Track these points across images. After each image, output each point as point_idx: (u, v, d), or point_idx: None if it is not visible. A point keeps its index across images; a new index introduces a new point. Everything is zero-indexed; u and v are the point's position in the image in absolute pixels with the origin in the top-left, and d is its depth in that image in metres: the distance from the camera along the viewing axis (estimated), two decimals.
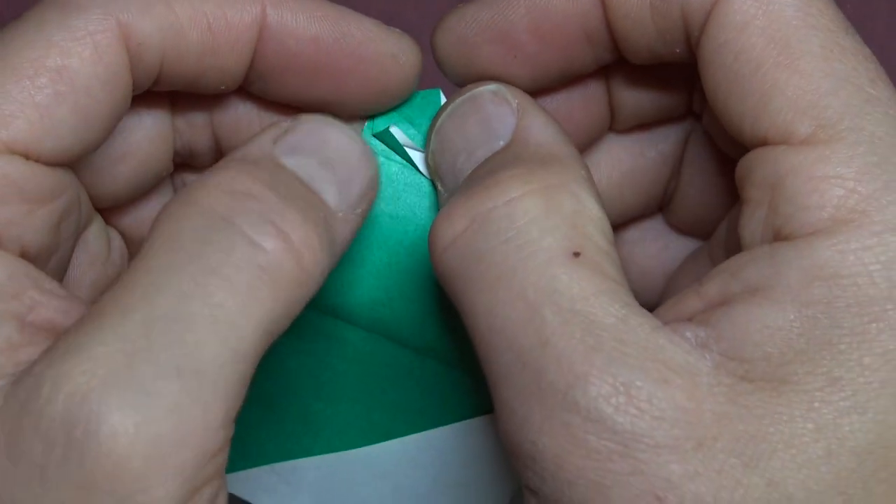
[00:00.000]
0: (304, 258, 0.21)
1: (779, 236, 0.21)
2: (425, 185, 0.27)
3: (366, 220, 0.26)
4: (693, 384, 0.20)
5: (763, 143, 0.22)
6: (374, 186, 0.25)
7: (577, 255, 0.21)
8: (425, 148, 0.26)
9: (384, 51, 0.25)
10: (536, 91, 0.26)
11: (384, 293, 0.27)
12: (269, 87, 0.25)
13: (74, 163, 0.23)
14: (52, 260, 0.24)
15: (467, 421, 0.29)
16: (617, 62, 0.26)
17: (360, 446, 0.28)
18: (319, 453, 0.28)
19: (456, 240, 0.22)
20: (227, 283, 0.20)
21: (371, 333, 0.27)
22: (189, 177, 0.28)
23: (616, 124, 0.28)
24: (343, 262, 0.27)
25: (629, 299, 0.21)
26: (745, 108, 0.22)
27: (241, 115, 0.27)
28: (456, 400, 0.28)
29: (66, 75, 0.22)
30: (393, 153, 0.27)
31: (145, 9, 0.23)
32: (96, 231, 0.26)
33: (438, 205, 0.26)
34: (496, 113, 0.24)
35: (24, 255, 0.22)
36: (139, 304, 0.20)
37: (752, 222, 0.22)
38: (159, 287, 0.20)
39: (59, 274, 0.25)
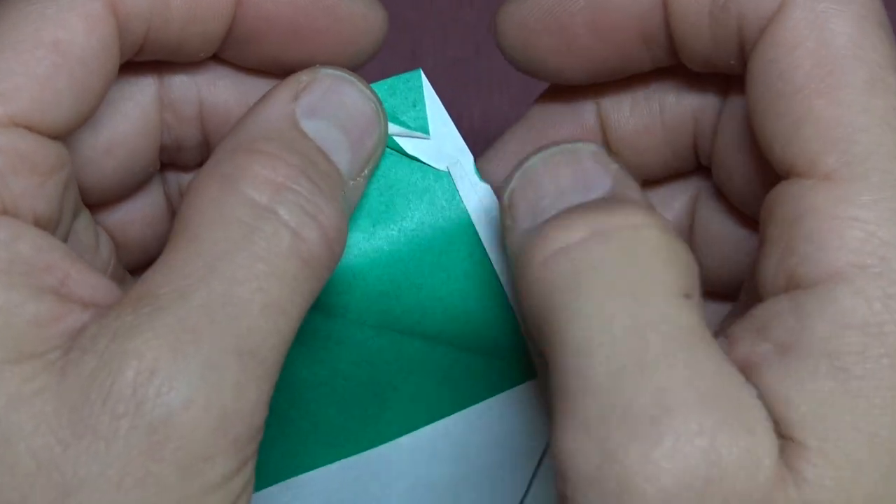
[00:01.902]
0: (335, 245, 0.23)
1: (794, 278, 0.21)
2: (417, 172, 0.27)
3: (359, 210, 0.27)
4: (771, 440, 0.20)
5: (790, 169, 0.21)
6: (382, 145, 0.25)
7: (688, 297, 0.21)
8: (504, 184, 0.26)
9: (355, 10, 0.25)
10: (590, 83, 0.26)
11: (390, 284, 0.27)
12: (246, 53, 0.26)
13: (69, 135, 0.24)
14: (57, 233, 0.24)
15: (482, 403, 0.28)
16: (618, 117, 0.27)
17: (374, 447, 0.28)
18: (332, 461, 0.29)
19: (570, 247, 0.21)
20: (274, 272, 0.21)
21: (380, 329, 0.27)
22: (176, 175, 0.29)
23: None
24: (347, 258, 0.27)
25: (723, 350, 0.21)
26: (779, 129, 0.22)
27: (231, 107, 0.27)
28: (469, 383, 0.28)
29: (61, 48, 0.22)
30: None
31: None
32: (84, 223, 0.26)
33: (507, 239, 0.25)
34: (594, 170, 0.24)
35: (37, 226, 0.22)
36: (197, 288, 0.21)
37: (771, 262, 0.21)
38: (214, 271, 0.21)
39: None
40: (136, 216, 0.28)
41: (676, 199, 0.28)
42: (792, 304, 0.21)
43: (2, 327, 0.20)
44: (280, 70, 0.26)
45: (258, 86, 0.27)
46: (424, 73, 0.27)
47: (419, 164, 0.27)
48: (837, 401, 0.20)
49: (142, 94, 0.26)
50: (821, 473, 0.20)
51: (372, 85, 0.26)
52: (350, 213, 0.24)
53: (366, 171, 0.25)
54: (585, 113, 0.27)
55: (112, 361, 0.20)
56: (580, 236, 0.21)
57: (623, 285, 0.21)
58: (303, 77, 0.24)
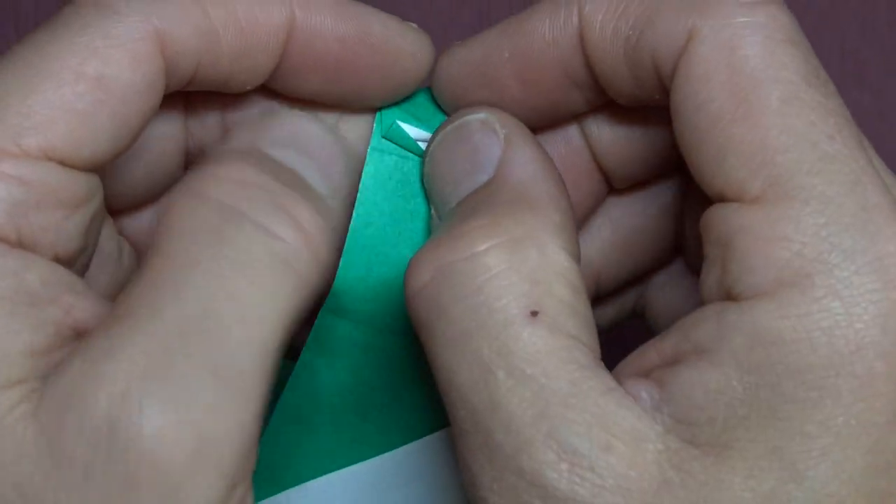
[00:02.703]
0: (317, 244, 0.22)
1: (729, 296, 0.21)
2: None
3: (385, 217, 0.27)
4: (638, 451, 0.20)
5: (721, 197, 0.22)
6: (350, 174, 0.25)
7: (535, 313, 0.21)
8: (421, 171, 0.27)
9: (403, 48, 0.25)
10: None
11: None
12: (293, 85, 0.26)
13: (105, 168, 0.23)
14: (78, 262, 0.24)
15: None
16: (598, 133, 0.27)
17: (392, 449, 0.28)
18: (350, 464, 0.28)
19: (422, 289, 0.22)
20: (251, 280, 0.21)
21: (404, 336, 0.27)
22: None
23: (614, 186, 0.28)
24: (372, 265, 0.27)
25: (585, 359, 0.21)
26: (704, 162, 0.22)
27: (253, 114, 0.27)
28: None
29: (104, 83, 0.22)
30: (406, 151, 0.27)
31: (182, 15, 0.23)
32: (108, 232, 0.26)
33: (430, 230, 0.26)
34: (483, 143, 0.25)
35: (57, 260, 0.22)
36: (168, 304, 0.20)
37: (709, 280, 0.22)
38: (185, 285, 0.20)
39: (81, 274, 0.25)
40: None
41: (670, 187, 0.29)
42: (717, 314, 0.21)
43: None
44: (325, 102, 0.26)
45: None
46: None
47: None
48: (743, 412, 0.20)
49: (170, 102, 0.26)
50: (716, 478, 0.20)
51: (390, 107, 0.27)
52: (338, 237, 0.24)
53: (342, 195, 0.25)
54: (569, 130, 0.27)
55: (85, 386, 0.19)
56: (427, 277, 0.22)
57: (465, 328, 0.21)
58: (256, 121, 0.25)
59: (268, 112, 0.25)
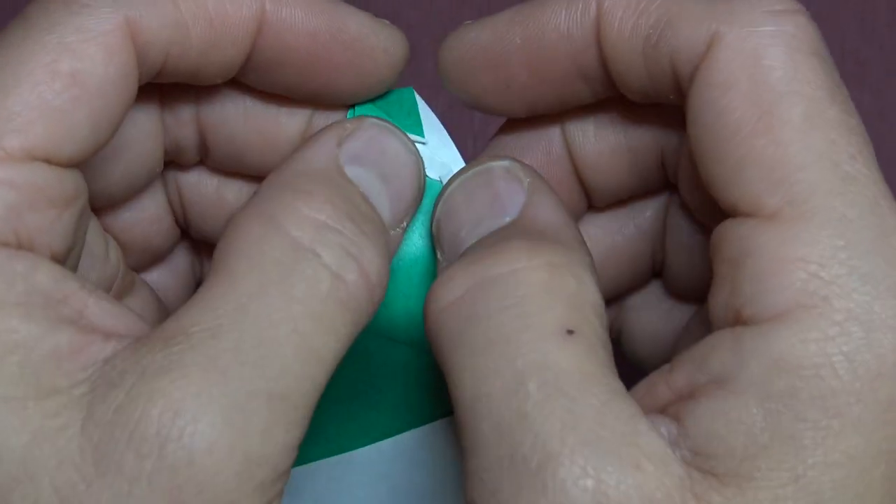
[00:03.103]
0: (376, 290, 0.22)
1: (740, 317, 0.21)
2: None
3: None
4: (665, 473, 0.20)
5: (734, 210, 0.21)
6: (418, 199, 0.25)
7: (571, 333, 0.21)
8: (432, 213, 0.26)
9: (376, 45, 0.25)
10: (532, 117, 0.26)
11: None
12: (264, 79, 0.26)
13: (87, 161, 0.24)
14: (70, 261, 0.24)
15: None
16: (583, 141, 0.27)
17: (356, 448, 0.28)
18: (316, 459, 0.28)
19: (455, 301, 0.22)
20: (312, 314, 0.21)
21: (366, 333, 0.27)
22: (174, 174, 0.29)
23: (593, 202, 0.28)
24: None
25: (616, 385, 0.21)
26: (721, 172, 0.21)
27: (227, 109, 0.27)
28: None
29: (79, 79, 0.22)
30: None
31: (151, 5, 0.23)
32: (94, 230, 0.26)
33: (437, 272, 0.26)
34: (506, 189, 0.24)
35: (53, 260, 0.22)
36: (229, 327, 0.20)
37: (720, 299, 0.21)
38: (247, 311, 0.20)
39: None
40: (141, 217, 0.28)
41: (648, 207, 0.28)
42: (732, 340, 0.21)
43: (22, 362, 0.20)
44: (297, 97, 0.26)
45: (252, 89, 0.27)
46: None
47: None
48: (764, 440, 0.20)
49: (146, 96, 0.26)
50: None
51: (364, 103, 0.27)
52: (390, 262, 0.24)
53: (405, 223, 0.25)
54: (552, 137, 0.27)
55: (139, 399, 0.19)
56: (462, 290, 0.22)
57: (502, 335, 0.21)
58: (348, 124, 0.24)
59: (359, 118, 0.25)
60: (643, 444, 0.20)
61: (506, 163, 0.25)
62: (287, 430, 0.20)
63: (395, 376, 0.28)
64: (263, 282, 0.21)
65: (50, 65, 0.22)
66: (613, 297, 0.30)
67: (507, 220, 0.24)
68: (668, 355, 0.29)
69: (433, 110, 0.27)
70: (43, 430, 0.20)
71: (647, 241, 0.28)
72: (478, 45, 0.25)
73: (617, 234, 0.28)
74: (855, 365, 0.19)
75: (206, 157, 0.28)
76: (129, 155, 0.26)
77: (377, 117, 0.25)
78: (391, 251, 0.24)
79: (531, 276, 0.22)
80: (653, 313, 0.29)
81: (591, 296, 0.22)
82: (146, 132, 0.26)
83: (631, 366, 0.29)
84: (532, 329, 0.21)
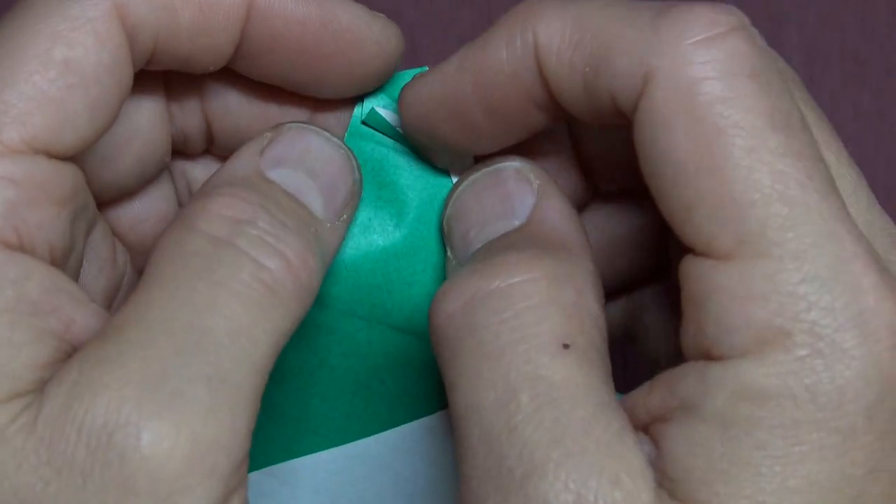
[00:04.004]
0: (301, 275, 0.22)
1: (709, 355, 0.21)
2: (416, 166, 0.27)
3: (360, 203, 0.26)
4: (643, 490, 0.20)
5: (691, 247, 0.21)
6: (357, 192, 0.25)
7: (566, 346, 0.21)
8: (441, 212, 0.26)
9: (369, 37, 0.25)
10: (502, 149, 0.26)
11: (382, 278, 0.27)
12: (255, 67, 0.26)
13: (84, 154, 0.24)
14: (69, 262, 0.24)
15: None
16: (585, 130, 0.26)
17: (358, 439, 0.28)
18: (318, 450, 0.29)
19: (455, 312, 0.22)
20: (239, 299, 0.21)
21: (370, 323, 0.27)
22: (183, 165, 0.29)
23: (600, 188, 0.28)
24: (341, 249, 0.27)
25: (608, 398, 0.21)
26: (672, 212, 0.21)
27: (231, 97, 0.27)
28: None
29: (73, 66, 0.22)
30: (384, 137, 0.27)
31: None
32: (101, 234, 0.26)
33: (446, 271, 0.26)
34: (517, 191, 0.25)
35: (53, 260, 0.22)
36: (159, 318, 0.21)
37: (688, 336, 0.21)
38: (176, 301, 0.21)
39: (75, 277, 0.25)
40: (149, 213, 0.28)
41: (649, 210, 0.28)
42: (699, 370, 0.21)
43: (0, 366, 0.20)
44: (290, 87, 0.26)
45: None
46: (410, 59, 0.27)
47: (421, 161, 0.27)
48: (725, 467, 0.20)
49: (151, 85, 0.26)
50: None
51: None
52: (330, 255, 0.24)
53: (344, 216, 0.25)
54: (555, 128, 0.27)
55: (83, 394, 0.20)
56: (461, 303, 0.22)
57: (497, 348, 0.21)
58: (268, 134, 0.25)
59: (277, 125, 0.25)
60: (627, 458, 0.20)
61: (517, 164, 0.25)
62: (233, 412, 0.20)
63: (399, 367, 0.28)
64: (186, 274, 0.21)
65: (43, 54, 0.22)
66: (623, 290, 0.30)
67: (516, 223, 0.24)
68: (674, 352, 0.29)
69: None
70: (3, 434, 0.20)
71: (656, 231, 0.28)
72: (434, 98, 0.25)
73: (625, 223, 0.28)
74: (817, 397, 0.20)
75: (212, 145, 0.28)
76: (138, 145, 0.26)
77: (298, 121, 0.25)
78: (331, 243, 0.24)
79: (530, 288, 0.22)
80: (666, 310, 0.29)
81: (591, 307, 0.22)
82: (153, 122, 0.26)
83: (643, 366, 0.29)
84: (527, 341, 0.21)
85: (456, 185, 0.26)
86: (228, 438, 0.20)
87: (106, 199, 0.27)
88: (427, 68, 0.27)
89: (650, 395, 0.22)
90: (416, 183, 0.27)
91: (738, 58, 0.21)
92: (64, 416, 0.20)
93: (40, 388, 0.20)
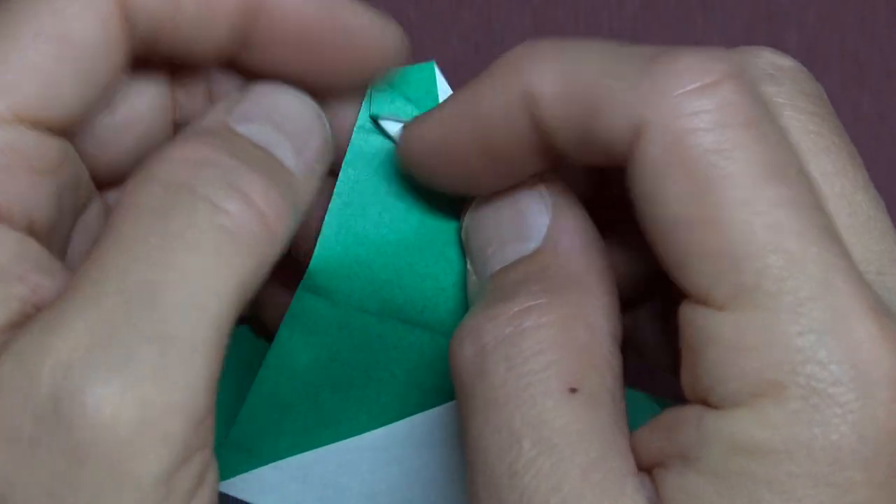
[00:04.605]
0: (269, 218, 0.22)
1: (706, 402, 0.21)
2: None
3: (367, 197, 0.27)
4: None
5: (688, 295, 0.21)
6: (328, 146, 0.25)
7: (573, 390, 0.21)
8: (460, 218, 0.27)
9: (370, 34, 0.25)
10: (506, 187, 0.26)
11: (394, 272, 0.27)
12: (257, 60, 0.26)
13: (74, 131, 0.23)
14: (54, 235, 0.24)
15: None
16: None
17: (367, 431, 0.28)
18: (327, 443, 0.29)
19: (469, 357, 0.22)
20: (192, 247, 0.20)
21: (381, 318, 0.27)
22: None
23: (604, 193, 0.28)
24: (349, 245, 0.27)
25: (614, 440, 0.21)
26: (668, 261, 0.21)
27: (235, 86, 0.27)
28: None
29: (66, 40, 0.22)
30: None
31: None
32: (96, 212, 0.26)
33: (467, 284, 0.26)
34: (530, 208, 0.25)
35: (31, 230, 0.22)
36: (111, 276, 0.20)
37: (686, 382, 0.21)
38: (128, 257, 0.20)
39: (60, 253, 0.25)
40: None
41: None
42: (697, 419, 0.21)
43: None
44: (297, 80, 0.26)
45: None
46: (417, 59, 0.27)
47: None
48: None
49: (156, 70, 0.26)
50: None
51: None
52: (303, 208, 0.24)
53: (317, 170, 0.24)
54: None
55: (30, 360, 0.19)
56: (475, 349, 0.22)
57: (504, 394, 0.21)
58: (234, 94, 0.24)
59: (248, 84, 0.25)
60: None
61: (532, 178, 0.25)
62: (187, 371, 0.20)
63: (409, 360, 0.28)
64: (140, 227, 0.21)
65: (36, 27, 0.22)
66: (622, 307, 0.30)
67: (531, 246, 0.24)
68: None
69: None
70: None
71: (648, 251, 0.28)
72: (432, 144, 0.25)
73: (618, 243, 0.28)
74: (812, 452, 0.19)
75: None
76: (140, 129, 0.26)
77: (271, 81, 0.25)
78: (304, 194, 0.24)
79: (540, 333, 0.22)
80: (664, 324, 0.29)
81: (603, 346, 0.22)
82: (157, 107, 0.26)
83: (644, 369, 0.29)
84: (533, 387, 0.21)
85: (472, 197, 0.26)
86: (183, 399, 0.20)
87: (106, 180, 0.27)
88: (434, 61, 0.27)
89: (651, 437, 0.22)
90: None
91: (730, 107, 0.20)
92: (11, 383, 0.19)
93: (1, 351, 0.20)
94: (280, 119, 0.24)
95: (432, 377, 0.28)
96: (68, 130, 0.23)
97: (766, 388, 0.20)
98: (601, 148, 0.22)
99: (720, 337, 0.20)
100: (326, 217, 0.27)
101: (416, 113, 0.27)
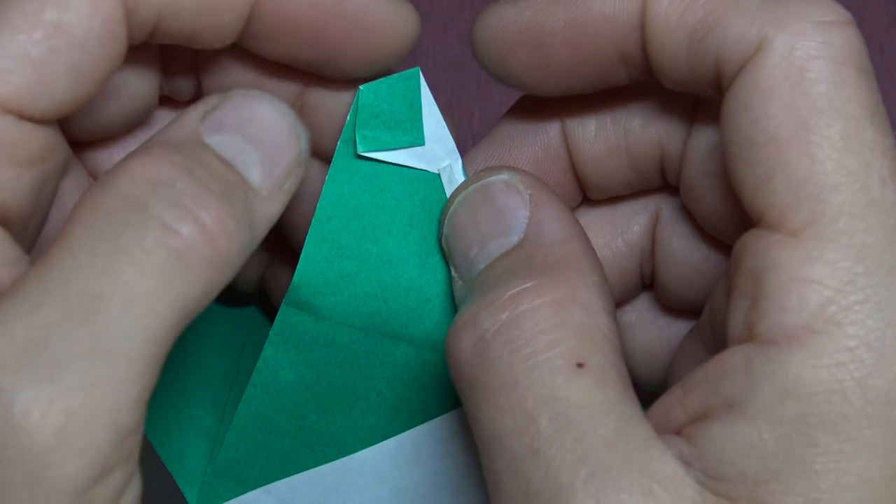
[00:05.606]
0: (219, 241, 0.21)
1: (754, 333, 0.21)
2: (408, 173, 0.27)
3: (350, 211, 0.26)
4: (678, 497, 0.20)
5: (759, 218, 0.21)
6: (300, 162, 0.24)
7: (580, 366, 0.21)
8: (439, 229, 0.26)
9: (382, 19, 0.25)
10: (565, 95, 0.26)
11: (378, 286, 0.27)
12: (263, 46, 0.25)
13: (66, 118, 0.23)
14: (30, 223, 0.23)
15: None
16: (583, 139, 0.26)
17: (355, 451, 0.28)
18: (315, 466, 0.28)
19: (469, 350, 0.22)
20: (138, 265, 0.20)
21: (366, 333, 0.27)
22: (169, 113, 0.28)
23: (588, 196, 0.28)
24: (332, 259, 0.26)
25: (629, 410, 0.21)
26: (751, 177, 0.21)
27: (223, 57, 0.26)
28: (454, 388, 0.28)
29: (62, 30, 0.21)
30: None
31: None
32: (72, 186, 0.26)
33: (453, 291, 0.26)
34: (508, 205, 0.25)
35: (4, 220, 0.22)
36: (56, 282, 0.20)
37: (737, 313, 0.21)
38: (75, 265, 0.20)
39: (35, 235, 0.24)
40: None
41: (639, 214, 0.28)
42: (744, 363, 0.21)
43: None
44: (298, 67, 0.26)
45: None
46: (424, 73, 0.27)
47: (412, 167, 0.27)
48: (776, 465, 0.20)
49: (144, 61, 0.26)
50: None
51: (370, 83, 0.26)
52: (264, 225, 0.23)
53: (286, 186, 0.24)
54: (550, 132, 0.27)
55: None
56: (473, 341, 0.22)
57: (512, 378, 0.21)
58: (213, 99, 0.24)
59: (226, 91, 0.24)
60: (655, 469, 0.20)
61: (504, 176, 0.25)
62: (117, 386, 0.20)
63: (395, 377, 0.28)
64: (93, 236, 0.20)
65: (33, 15, 0.21)
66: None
67: (514, 238, 0.24)
68: (664, 374, 0.29)
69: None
70: None
71: (635, 255, 0.28)
72: (518, 23, 0.25)
73: (605, 248, 0.28)
74: (866, 391, 0.20)
75: (201, 96, 0.27)
76: (127, 92, 0.26)
77: (246, 88, 0.25)
78: (266, 211, 0.23)
79: (537, 314, 0.22)
80: (648, 331, 0.29)
81: (601, 323, 0.22)
82: (142, 74, 0.26)
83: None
84: (540, 367, 0.21)
85: (449, 203, 0.26)
86: (109, 413, 0.20)
87: (89, 139, 0.26)
88: (419, 69, 0.27)
89: (688, 396, 0.21)
90: (408, 188, 0.27)
91: (852, 49, 0.21)
92: None
93: None
94: (253, 130, 0.24)
95: (419, 393, 0.28)
96: (59, 119, 0.23)
97: (823, 323, 0.20)
98: (709, 60, 0.22)
99: (785, 265, 0.20)
100: (309, 231, 0.26)
101: (400, 141, 0.26)
